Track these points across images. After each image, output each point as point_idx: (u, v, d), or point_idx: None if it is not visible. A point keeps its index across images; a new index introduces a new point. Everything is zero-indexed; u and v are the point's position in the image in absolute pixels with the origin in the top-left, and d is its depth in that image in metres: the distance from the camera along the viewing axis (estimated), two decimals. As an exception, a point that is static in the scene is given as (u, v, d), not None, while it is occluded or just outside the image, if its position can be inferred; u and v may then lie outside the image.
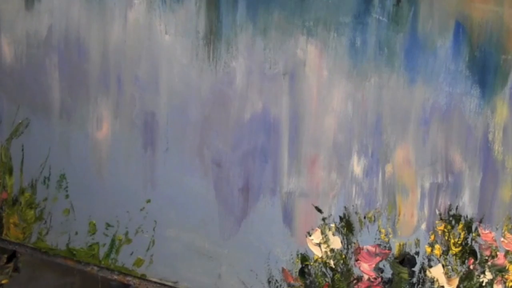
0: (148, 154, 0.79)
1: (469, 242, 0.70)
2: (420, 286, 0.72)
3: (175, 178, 0.78)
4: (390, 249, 0.72)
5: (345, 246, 0.74)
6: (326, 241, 0.74)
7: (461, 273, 0.71)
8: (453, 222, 0.70)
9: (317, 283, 0.76)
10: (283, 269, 0.76)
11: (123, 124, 0.79)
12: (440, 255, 0.71)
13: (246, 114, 0.74)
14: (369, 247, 0.73)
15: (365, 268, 0.74)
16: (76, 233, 0.84)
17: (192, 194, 0.78)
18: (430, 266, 0.71)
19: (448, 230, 0.70)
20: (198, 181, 0.78)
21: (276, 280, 0.77)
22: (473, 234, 0.69)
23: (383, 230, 0.72)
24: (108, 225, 0.82)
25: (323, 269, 0.75)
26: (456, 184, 0.69)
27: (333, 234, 0.74)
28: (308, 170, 0.73)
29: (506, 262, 0.69)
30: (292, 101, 0.72)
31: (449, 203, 0.70)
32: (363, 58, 0.69)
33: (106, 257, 0.83)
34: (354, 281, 0.74)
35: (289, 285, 0.77)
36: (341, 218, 0.73)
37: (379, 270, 0.73)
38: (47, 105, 0.81)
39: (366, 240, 0.73)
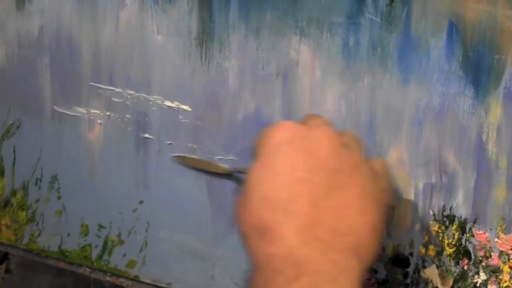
0: (140, 155, 0.78)
1: (463, 242, 0.70)
2: (414, 287, 0.72)
3: (167, 179, 0.78)
4: (384, 250, 0.72)
5: (339, 247, 0.74)
6: (320, 242, 0.74)
7: (455, 274, 0.70)
8: (447, 222, 0.70)
9: (311, 284, 0.75)
10: (276, 270, 0.76)
11: (115, 125, 0.78)
12: (434, 256, 0.71)
13: (239, 114, 0.74)
14: (363, 248, 0.73)
15: (359, 269, 0.73)
16: (69, 235, 0.84)
17: (185, 195, 0.78)
18: (424, 267, 0.71)
19: (442, 230, 0.70)
20: (191, 182, 0.77)
21: (270, 281, 0.76)
22: (467, 235, 0.69)
23: (376, 231, 0.72)
24: (100, 226, 0.82)
25: (317, 270, 0.75)
26: (450, 185, 0.69)
27: (327, 235, 0.74)
28: (302, 171, 0.73)
29: (500, 262, 0.69)
30: (285, 102, 0.72)
31: (443, 203, 0.69)
32: (356, 58, 0.69)
33: (99, 259, 0.83)
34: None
35: (282, 286, 0.76)
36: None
37: (373, 271, 0.73)
38: (38, 106, 0.81)
39: (359, 241, 0.73)
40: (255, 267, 0.56)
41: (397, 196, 0.70)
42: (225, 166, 0.75)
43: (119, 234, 0.81)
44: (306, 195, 0.54)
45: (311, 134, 0.57)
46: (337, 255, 0.53)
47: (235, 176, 0.74)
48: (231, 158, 0.75)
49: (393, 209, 0.71)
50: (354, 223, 0.54)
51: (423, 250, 0.71)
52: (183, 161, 0.77)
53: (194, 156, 0.76)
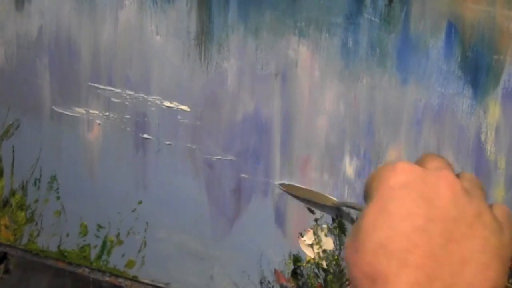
0: (139, 155, 0.78)
1: (462, 242, 0.70)
2: (412, 287, 0.72)
3: (166, 179, 0.78)
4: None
5: (338, 247, 0.74)
6: (319, 242, 0.74)
7: (454, 274, 0.71)
8: (445, 222, 0.70)
9: (310, 284, 0.76)
10: (275, 270, 0.76)
11: (114, 125, 0.78)
12: (433, 256, 0.71)
13: (238, 115, 0.74)
14: (362, 248, 0.73)
15: (357, 269, 0.73)
16: (68, 235, 0.84)
17: (184, 195, 0.78)
18: (423, 267, 0.71)
19: (440, 230, 0.70)
20: (189, 182, 0.77)
21: (269, 281, 0.77)
22: (466, 235, 0.69)
23: (375, 231, 0.72)
24: (99, 226, 0.82)
25: (316, 270, 0.75)
26: (448, 185, 0.69)
27: (326, 235, 0.74)
28: (300, 171, 0.73)
29: (498, 262, 0.69)
30: (284, 102, 0.72)
31: (441, 203, 0.69)
32: (355, 58, 0.69)
33: (98, 259, 0.83)
34: (347, 282, 0.74)
35: (281, 286, 0.76)
36: (333, 219, 0.73)
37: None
38: (37, 106, 0.81)
39: (358, 241, 0.73)
40: None
41: None
42: (334, 199, 0.73)
43: (118, 234, 0.82)
44: (423, 245, 0.49)
45: (430, 178, 0.52)
46: None
47: (343, 210, 0.73)
48: (230, 158, 0.75)
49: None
50: (474, 280, 0.49)
51: (421, 250, 0.71)
52: (289, 190, 0.74)
53: (301, 186, 0.74)
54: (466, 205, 0.51)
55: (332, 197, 0.73)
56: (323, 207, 0.74)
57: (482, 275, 0.49)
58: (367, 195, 0.54)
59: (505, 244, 0.52)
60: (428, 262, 0.49)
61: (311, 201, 0.74)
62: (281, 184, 0.75)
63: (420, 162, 0.55)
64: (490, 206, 0.53)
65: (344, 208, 0.72)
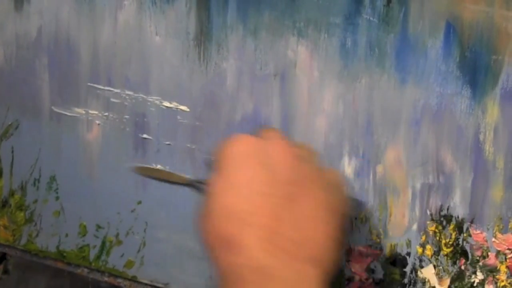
0: (139, 155, 0.78)
1: (460, 242, 0.70)
2: (411, 286, 0.72)
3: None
4: (381, 249, 0.72)
5: (337, 247, 0.74)
6: (318, 242, 0.74)
7: (453, 274, 0.71)
8: (444, 222, 0.70)
9: (309, 284, 0.75)
10: (274, 270, 0.76)
11: (113, 125, 0.79)
12: (432, 256, 0.71)
13: (237, 115, 0.74)
14: (361, 248, 0.73)
15: (356, 269, 0.74)
16: (67, 235, 0.84)
17: (183, 195, 0.78)
18: (422, 267, 0.72)
19: (439, 230, 0.70)
20: (189, 182, 0.78)
21: (268, 281, 0.77)
22: (464, 235, 0.70)
23: (374, 231, 0.72)
24: (98, 226, 0.82)
25: (315, 270, 0.75)
26: (447, 185, 0.69)
27: (325, 235, 0.74)
28: (299, 171, 0.73)
29: (497, 262, 0.69)
30: (283, 102, 0.72)
31: (440, 203, 0.70)
32: (354, 59, 0.69)
33: (97, 259, 0.83)
34: (346, 282, 0.74)
35: (280, 286, 0.76)
36: (332, 219, 0.73)
37: (370, 271, 0.73)
38: (37, 106, 0.81)
39: (357, 240, 0.73)
40: (221, 277, 0.57)
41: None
42: (185, 176, 0.77)
43: (117, 235, 0.82)
44: (265, 207, 0.56)
45: (268, 147, 0.59)
46: (299, 264, 0.55)
47: (196, 186, 0.76)
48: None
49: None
50: (312, 233, 0.57)
51: (420, 250, 0.71)
52: (144, 172, 0.78)
53: (153, 166, 0.78)
54: (301, 169, 0.59)
55: (184, 176, 0.77)
56: (179, 184, 0.77)
57: (319, 228, 0.57)
58: (214, 168, 0.61)
59: (337, 201, 0.60)
60: (270, 221, 0.56)
61: (168, 181, 0.78)
62: (136, 168, 0.78)
63: (258, 134, 0.62)
64: (323, 170, 0.61)
65: (197, 184, 0.75)
